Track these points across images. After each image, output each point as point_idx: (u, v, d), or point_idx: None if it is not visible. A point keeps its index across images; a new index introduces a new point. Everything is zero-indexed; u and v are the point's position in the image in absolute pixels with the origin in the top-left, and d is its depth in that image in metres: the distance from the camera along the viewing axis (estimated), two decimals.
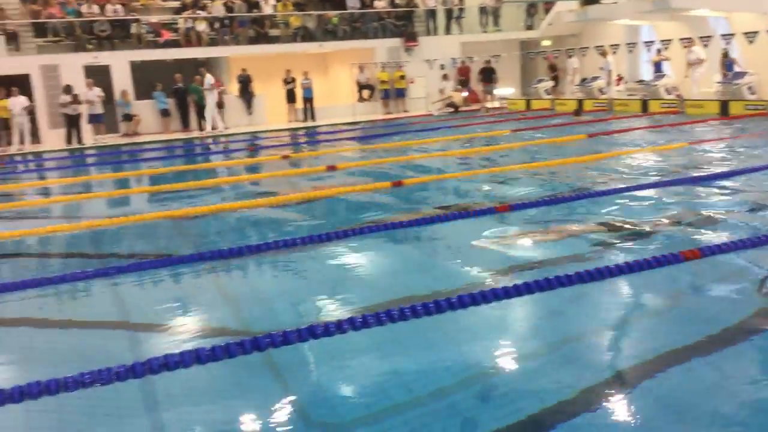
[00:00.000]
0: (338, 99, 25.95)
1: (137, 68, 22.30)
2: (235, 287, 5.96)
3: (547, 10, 27.02)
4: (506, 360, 4.15)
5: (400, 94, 25.31)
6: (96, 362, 4.07)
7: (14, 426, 3.70)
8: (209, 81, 21.58)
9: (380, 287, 5.57)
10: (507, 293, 4.82)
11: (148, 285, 6.01)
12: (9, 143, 20.00)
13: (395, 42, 25.59)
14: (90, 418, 3.72)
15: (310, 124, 23.21)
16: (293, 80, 23.55)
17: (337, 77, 27.22)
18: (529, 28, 27.81)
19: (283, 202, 9.60)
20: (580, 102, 22.22)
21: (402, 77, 25.13)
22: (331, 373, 4.03)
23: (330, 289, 5.53)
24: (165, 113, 22.36)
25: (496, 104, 25.70)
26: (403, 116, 24.04)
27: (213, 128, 21.82)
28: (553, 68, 26.07)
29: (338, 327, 4.34)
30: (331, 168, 12.20)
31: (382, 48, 25.37)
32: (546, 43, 27.84)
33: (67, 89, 20.19)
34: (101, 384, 3.90)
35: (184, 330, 4.86)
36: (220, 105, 22.74)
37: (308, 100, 23.70)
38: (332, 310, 5.05)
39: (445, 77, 25.33)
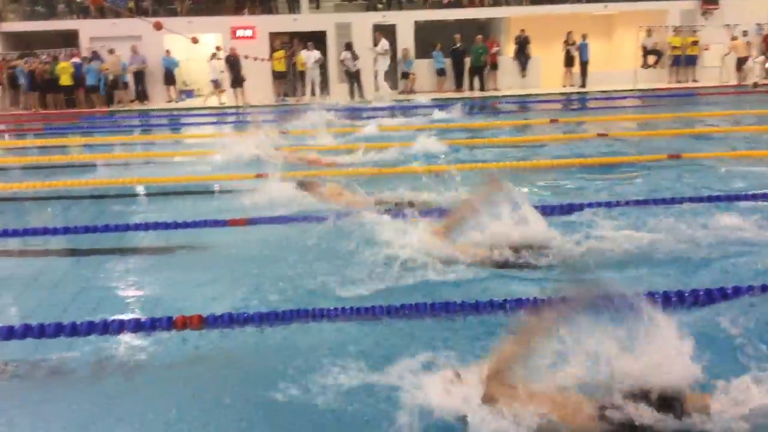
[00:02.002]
0: (619, 64, 24.46)
1: (420, 28, 23.15)
2: None
3: None
4: None
5: (691, 61, 23.10)
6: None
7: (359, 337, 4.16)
8: (384, 46, 21.61)
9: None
10: None
11: None
12: (304, 94, 22.15)
13: (691, 4, 23.33)
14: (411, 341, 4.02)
15: (585, 89, 22.26)
16: (574, 43, 22.69)
17: (620, 41, 25.63)
18: None
19: (546, 166, 9.37)
20: None
21: (695, 43, 22.89)
22: None
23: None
24: (441, 72, 23.01)
25: None
26: (692, 86, 21.99)
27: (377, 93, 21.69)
28: None
29: None
30: (602, 135, 11.60)
31: (675, 10, 23.31)
32: None
33: (347, 46, 21.70)
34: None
35: None
36: (495, 66, 22.78)
37: (584, 63, 22.71)
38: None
39: (747, 45, 22.56)
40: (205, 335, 4.29)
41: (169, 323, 4.38)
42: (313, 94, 21.89)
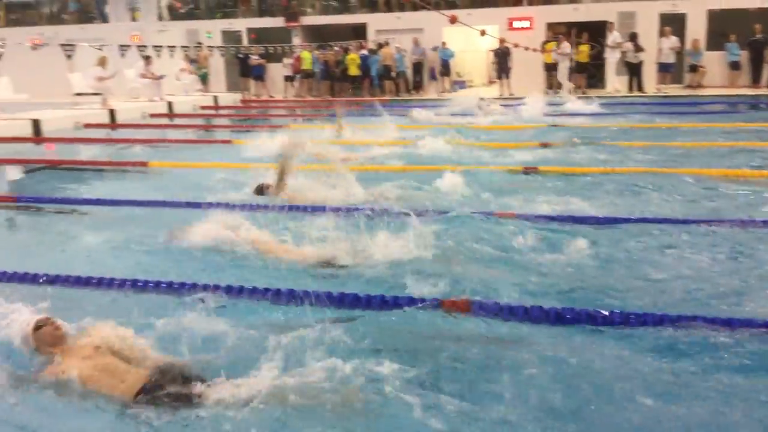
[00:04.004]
0: None
1: (714, 17, 21.13)
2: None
3: None
4: None
5: None
6: None
7: None
8: (615, 38, 20.11)
9: None
10: None
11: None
12: (559, 86, 21.45)
13: None
14: None
15: None
16: None
17: None
18: None
19: None
20: None
21: None
22: None
23: None
24: (734, 66, 20.81)
25: None
26: None
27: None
28: None
29: None
30: None
31: None
32: None
33: (631, 37, 20.53)
34: None
35: None
36: None
37: None
38: None
39: None
40: None
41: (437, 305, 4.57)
42: (557, 87, 21.14)
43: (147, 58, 19.79)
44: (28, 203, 8.10)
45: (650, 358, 3.80)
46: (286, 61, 24.58)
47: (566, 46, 20.99)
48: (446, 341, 4.22)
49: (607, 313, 4.26)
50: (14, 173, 10.59)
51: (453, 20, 10.47)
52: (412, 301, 4.60)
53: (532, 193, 7.68)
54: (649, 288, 4.86)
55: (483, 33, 14.43)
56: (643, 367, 3.69)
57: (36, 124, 14.62)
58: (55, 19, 29.09)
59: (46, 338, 3.67)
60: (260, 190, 7.43)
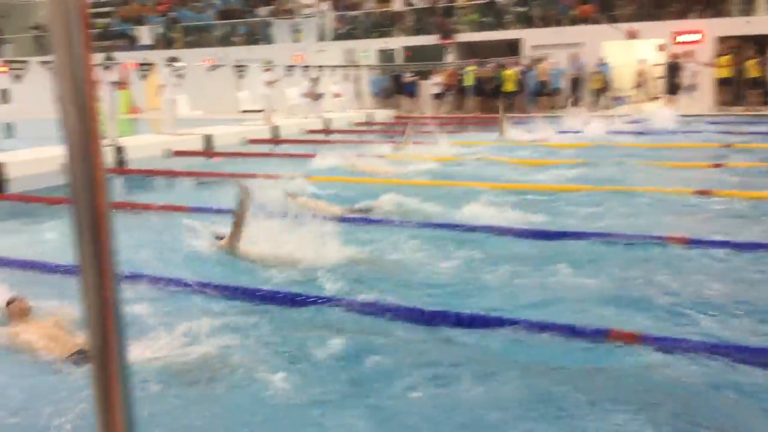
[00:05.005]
0: None
1: None
2: None
3: None
4: None
5: None
6: None
7: None
8: None
9: None
10: None
11: None
12: (749, 103, 19.90)
13: None
14: None
15: None
16: None
17: None
18: None
19: None
20: None
21: None
22: None
23: None
24: None
25: None
26: None
27: None
28: None
29: None
30: None
31: None
32: None
33: None
34: None
35: None
36: None
37: None
38: None
39: None
40: None
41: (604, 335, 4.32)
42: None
43: (313, 79, 20.83)
44: (200, 213, 8.59)
45: None
46: (435, 79, 24.72)
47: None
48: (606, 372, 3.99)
49: None
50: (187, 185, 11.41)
51: (632, 35, 10.05)
52: (573, 330, 4.39)
53: (704, 217, 7.16)
54: None
55: (662, 48, 13.77)
56: None
57: (208, 139, 15.70)
58: (225, 41, 31.19)
59: (15, 311, 4.69)
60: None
